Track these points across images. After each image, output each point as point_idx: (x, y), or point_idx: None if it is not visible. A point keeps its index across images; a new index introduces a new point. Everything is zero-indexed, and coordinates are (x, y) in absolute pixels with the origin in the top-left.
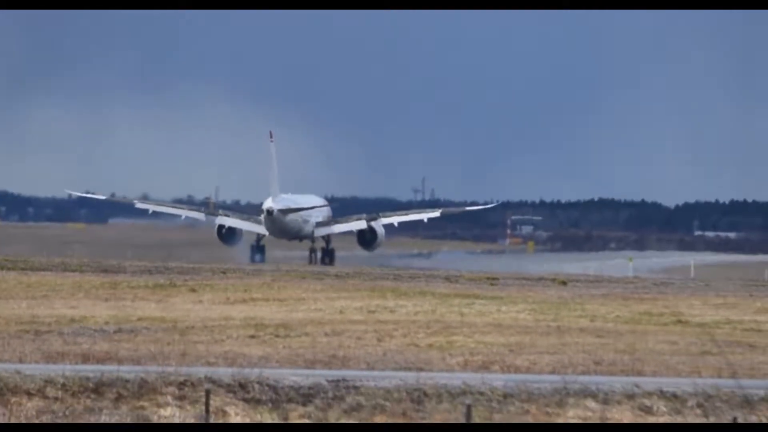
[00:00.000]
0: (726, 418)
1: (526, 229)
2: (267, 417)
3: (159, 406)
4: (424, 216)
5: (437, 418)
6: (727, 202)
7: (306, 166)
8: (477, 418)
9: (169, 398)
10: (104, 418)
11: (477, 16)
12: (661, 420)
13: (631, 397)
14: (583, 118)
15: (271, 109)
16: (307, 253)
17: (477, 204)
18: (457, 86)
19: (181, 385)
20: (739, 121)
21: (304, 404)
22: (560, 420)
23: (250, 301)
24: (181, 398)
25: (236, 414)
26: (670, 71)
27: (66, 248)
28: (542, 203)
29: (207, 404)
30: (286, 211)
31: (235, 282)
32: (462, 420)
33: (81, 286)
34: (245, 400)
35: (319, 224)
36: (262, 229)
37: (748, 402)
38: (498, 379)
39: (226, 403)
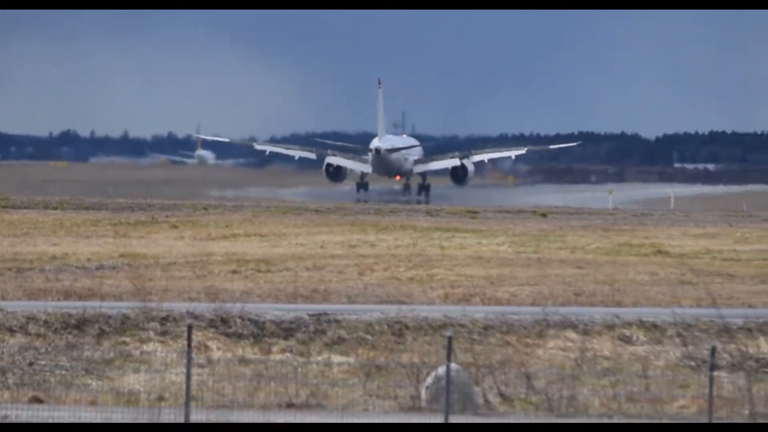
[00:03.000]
0: (705, 347)
1: (506, 163)
2: (249, 351)
3: (141, 341)
4: (512, 153)
5: (418, 351)
6: (706, 133)
7: (284, 103)
8: (458, 350)
9: (152, 333)
10: (86, 354)
11: None
12: (640, 349)
13: (611, 327)
14: (562, 50)
15: (249, 46)
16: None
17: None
18: (436, 21)
19: (164, 320)
20: (719, 51)
21: (285, 338)
22: (540, 351)
23: (232, 237)
24: (164, 333)
25: (218, 349)
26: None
27: (48, 186)
28: (522, 137)
29: (189, 339)
30: (391, 150)
31: (216, 218)
32: (443, 351)
33: (62, 224)
34: (227, 335)
35: (416, 162)
36: (366, 167)
37: (727, 331)
38: (479, 312)
39: (208, 338)
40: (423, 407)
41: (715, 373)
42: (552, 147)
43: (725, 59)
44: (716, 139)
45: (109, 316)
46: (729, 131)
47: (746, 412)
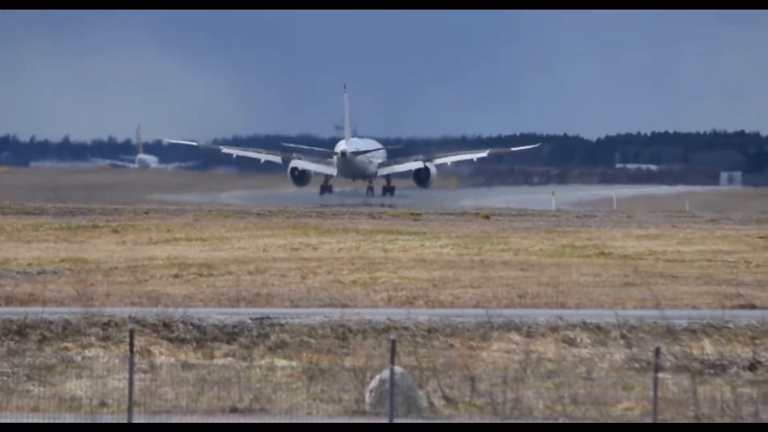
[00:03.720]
0: (649, 349)
1: (468, 166)
2: (192, 356)
3: (83, 347)
4: (474, 156)
5: (362, 354)
6: (648, 134)
7: (223, 106)
8: (402, 354)
9: (93, 339)
10: (28, 360)
11: None
12: (584, 351)
13: (554, 329)
14: (499, 52)
15: (185, 49)
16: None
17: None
18: (373, 20)
19: (105, 325)
20: (659, 51)
21: (228, 342)
22: (484, 353)
23: (173, 241)
24: (106, 339)
25: (161, 354)
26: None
27: None
28: (464, 139)
29: (131, 344)
30: (356, 153)
31: (157, 222)
32: (387, 354)
33: (3, 229)
34: (170, 340)
35: (381, 164)
36: (331, 170)
37: (670, 332)
38: (422, 314)
39: (150, 343)
40: (367, 411)
41: (660, 375)
42: (513, 149)
43: (665, 59)
44: (658, 139)
45: (51, 322)
46: (671, 131)
47: (691, 413)
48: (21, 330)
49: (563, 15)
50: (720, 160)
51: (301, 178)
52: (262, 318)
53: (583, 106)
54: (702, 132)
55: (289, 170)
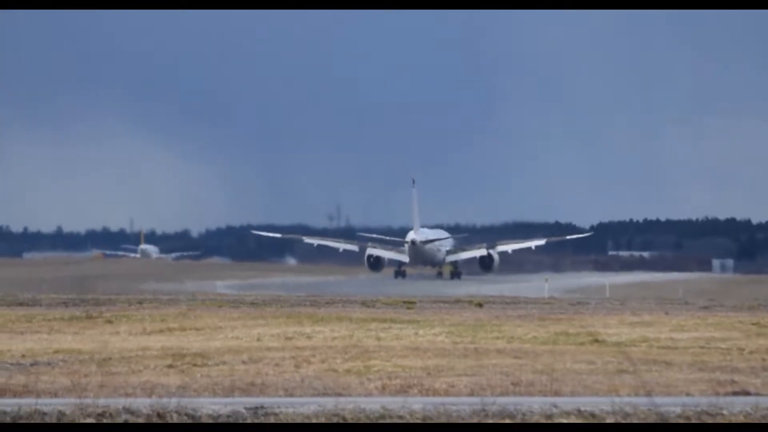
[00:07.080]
0: None
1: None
2: None
3: None
4: (533, 244)
5: None
6: (640, 221)
7: (214, 196)
8: None
9: None
10: None
11: (364, 26)
12: None
13: (549, 417)
14: (479, 139)
15: (172, 139)
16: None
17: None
18: (355, 111)
19: (99, 416)
20: (649, 139)
21: None
22: None
23: (167, 330)
24: None
25: None
26: (569, 91)
27: None
28: (457, 227)
29: None
30: (426, 242)
31: (151, 312)
32: None
33: None
34: None
35: (448, 252)
36: (403, 257)
37: (664, 419)
38: (417, 403)
39: None
40: None
41: None
42: (568, 237)
43: (655, 146)
44: (650, 226)
45: (45, 413)
46: (663, 219)
47: None
48: (14, 421)
49: (542, 102)
50: (712, 247)
51: (375, 264)
52: (257, 407)
53: (573, 194)
54: (694, 219)
55: (365, 257)
